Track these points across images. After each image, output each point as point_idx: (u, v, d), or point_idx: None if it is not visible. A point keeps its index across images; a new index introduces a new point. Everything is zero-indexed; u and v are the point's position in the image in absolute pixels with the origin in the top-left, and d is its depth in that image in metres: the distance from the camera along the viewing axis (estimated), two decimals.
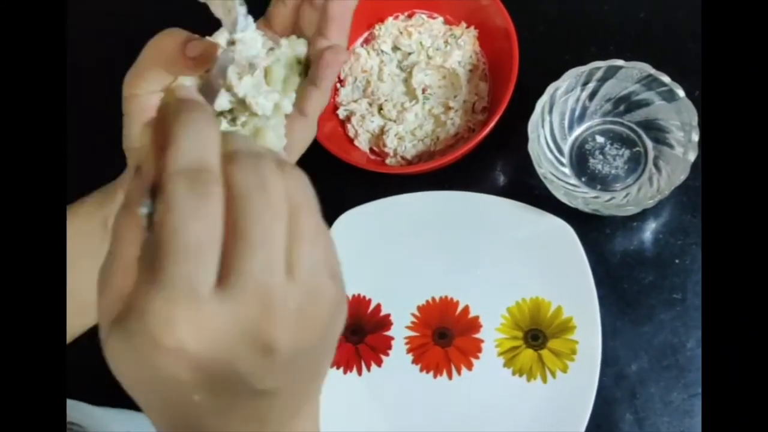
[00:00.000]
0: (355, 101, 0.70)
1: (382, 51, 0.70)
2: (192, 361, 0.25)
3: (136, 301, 0.25)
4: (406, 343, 0.64)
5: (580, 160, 0.65)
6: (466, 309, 0.64)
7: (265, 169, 0.26)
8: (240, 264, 0.25)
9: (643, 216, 0.63)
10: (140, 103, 0.40)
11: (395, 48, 0.70)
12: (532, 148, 0.61)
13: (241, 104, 0.39)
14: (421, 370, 0.63)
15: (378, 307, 0.66)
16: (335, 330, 0.29)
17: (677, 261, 0.62)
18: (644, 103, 0.62)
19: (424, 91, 0.68)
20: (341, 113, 0.70)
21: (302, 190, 0.28)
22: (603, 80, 0.62)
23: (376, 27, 0.71)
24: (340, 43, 0.42)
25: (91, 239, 0.45)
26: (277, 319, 0.26)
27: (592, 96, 0.64)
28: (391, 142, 0.67)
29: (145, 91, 0.40)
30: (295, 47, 0.42)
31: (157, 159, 0.26)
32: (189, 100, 0.27)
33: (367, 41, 0.72)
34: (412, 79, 0.68)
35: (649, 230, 0.63)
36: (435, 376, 0.63)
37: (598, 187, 0.63)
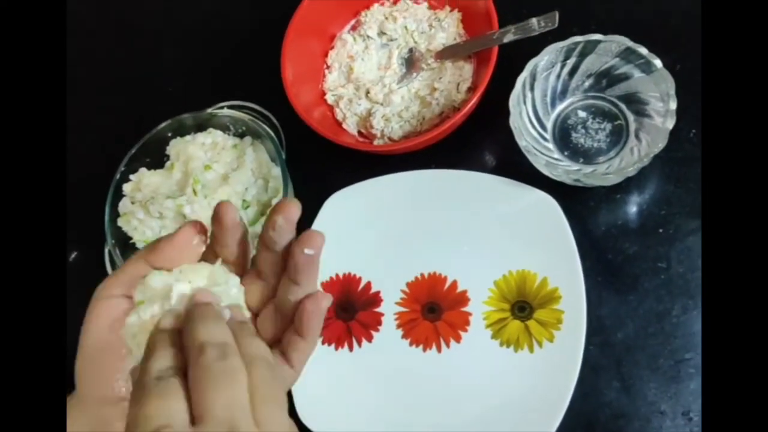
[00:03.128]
0: (342, 86, 0.72)
1: (368, 36, 0.72)
2: None
3: None
4: (396, 319, 0.65)
5: (563, 135, 0.66)
6: (454, 284, 0.65)
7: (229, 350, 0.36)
8: (206, 404, 0.33)
9: (626, 188, 0.64)
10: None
11: (381, 33, 0.72)
12: (514, 122, 0.62)
13: None
14: (411, 344, 0.64)
15: (368, 284, 0.67)
16: None
17: (661, 230, 0.62)
18: (624, 77, 0.63)
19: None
20: (329, 98, 0.72)
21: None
22: (583, 55, 0.63)
23: (363, 14, 0.73)
24: (310, 289, 0.41)
25: None
26: None
27: (573, 72, 0.65)
28: (377, 123, 0.69)
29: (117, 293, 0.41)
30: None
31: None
32: (203, 304, 0.38)
33: (354, 28, 0.74)
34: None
35: (632, 202, 0.64)
36: (424, 350, 0.64)
37: (581, 160, 0.64)
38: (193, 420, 0.33)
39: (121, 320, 0.40)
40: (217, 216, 0.41)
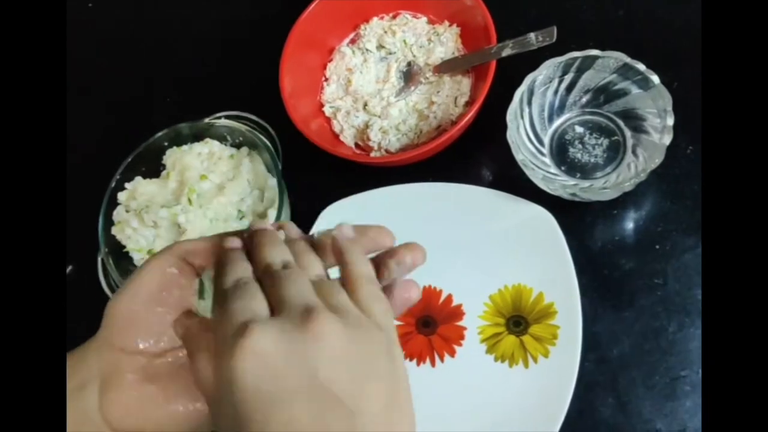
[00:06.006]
0: (341, 98, 0.72)
1: (366, 50, 0.72)
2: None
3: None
4: None
5: (560, 150, 0.66)
6: (449, 298, 0.64)
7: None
8: (280, 296, 0.36)
9: (623, 204, 0.64)
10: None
11: (380, 46, 0.72)
12: (511, 135, 0.62)
13: None
14: (405, 358, 0.63)
15: None
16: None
17: (657, 247, 0.62)
18: (622, 93, 0.63)
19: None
20: (327, 110, 0.72)
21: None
22: (580, 71, 0.63)
23: (362, 27, 0.74)
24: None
25: None
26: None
27: (570, 88, 0.65)
28: (375, 136, 0.69)
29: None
30: None
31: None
32: (232, 249, 0.41)
33: (353, 41, 0.74)
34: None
35: (629, 218, 0.64)
36: (418, 364, 0.63)
37: (578, 175, 0.64)
38: (273, 313, 0.36)
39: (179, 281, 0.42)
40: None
